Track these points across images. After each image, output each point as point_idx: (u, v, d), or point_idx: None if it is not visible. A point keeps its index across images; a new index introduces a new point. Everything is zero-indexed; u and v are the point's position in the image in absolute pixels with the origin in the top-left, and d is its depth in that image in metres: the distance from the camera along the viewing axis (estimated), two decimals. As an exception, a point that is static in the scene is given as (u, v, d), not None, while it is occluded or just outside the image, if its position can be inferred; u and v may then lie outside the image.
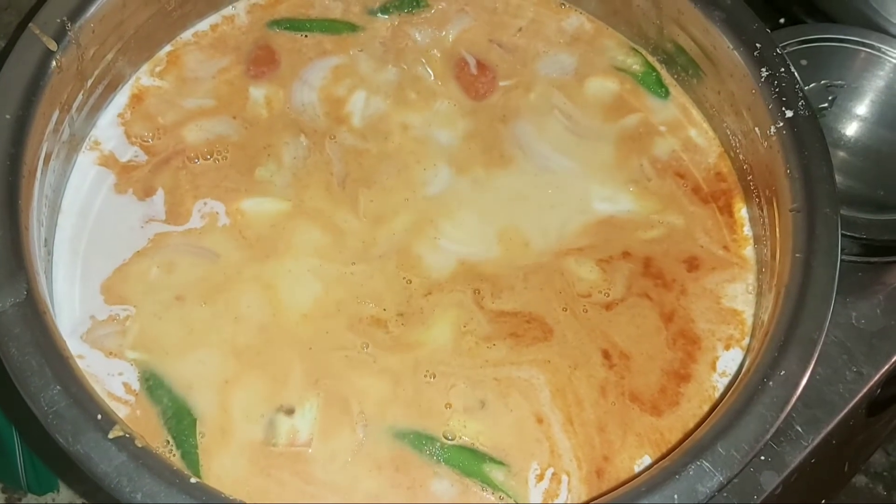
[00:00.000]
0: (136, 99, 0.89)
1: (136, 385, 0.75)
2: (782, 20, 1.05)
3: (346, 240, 0.83)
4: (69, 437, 0.61)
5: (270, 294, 0.79)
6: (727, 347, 0.80)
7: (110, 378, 0.75)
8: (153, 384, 0.74)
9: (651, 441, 0.76)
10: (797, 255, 0.73)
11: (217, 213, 0.83)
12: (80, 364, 0.69)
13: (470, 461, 0.73)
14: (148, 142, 0.86)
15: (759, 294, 0.82)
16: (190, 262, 0.80)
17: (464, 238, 0.84)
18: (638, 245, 0.84)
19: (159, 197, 0.83)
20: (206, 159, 0.86)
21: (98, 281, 0.79)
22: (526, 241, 0.84)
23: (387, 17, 0.96)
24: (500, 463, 0.74)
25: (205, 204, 0.83)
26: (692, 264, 0.84)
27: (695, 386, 0.78)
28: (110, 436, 0.62)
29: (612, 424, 0.76)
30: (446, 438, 0.74)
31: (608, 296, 0.82)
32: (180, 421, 0.73)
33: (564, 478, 0.74)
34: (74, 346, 0.75)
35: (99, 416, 0.62)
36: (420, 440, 0.74)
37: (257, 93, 0.90)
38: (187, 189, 0.84)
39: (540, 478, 0.74)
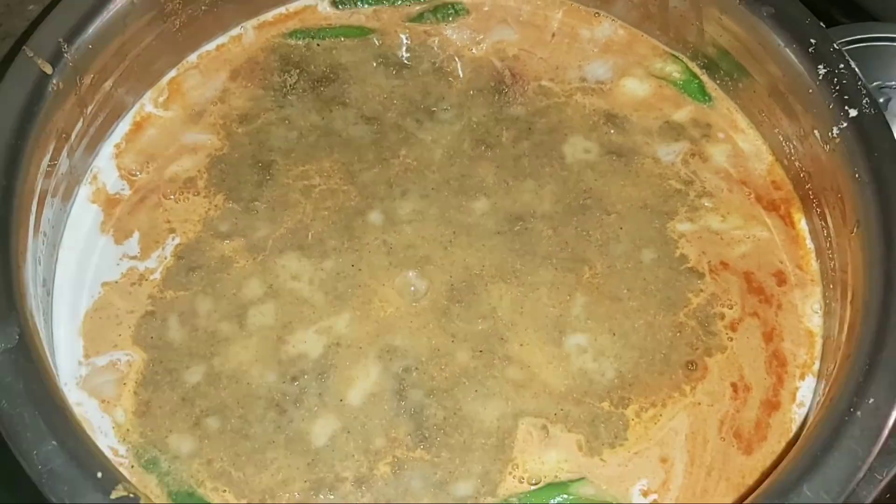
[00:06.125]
0: (137, 127, 0.83)
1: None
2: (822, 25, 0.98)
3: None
4: (65, 498, 0.55)
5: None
6: (802, 377, 0.73)
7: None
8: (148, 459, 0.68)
9: (734, 485, 0.68)
10: (874, 267, 0.66)
11: (196, 251, 0.76)
12: (77, 412, 0.63)
13: (553, 492, 0.67)
14: (136, 175, 0.80)
15: (827, 314, 0.75)
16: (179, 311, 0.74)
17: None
18: (733, 259, 0.78)
19: (134, 239, 0.77)
20: (187, 199, 0.79)
21: (89, 324, 0.73)
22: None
23: (419, 24, 0.90)
24: (580, 479, 0.68)
25: (179, 243, 0.76)
26: (780, 278, 0.77)
27: (779, 416, 0.71)
28: (112, 496, 0.55)
29: (716, 468, 0.69)
30: (530, 483, 0.67)
31: (731, 308, 0.75)
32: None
33: None
34: (72, 392, 0.69)
35: (99, 475, 0.56)
36: None
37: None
38: (164, 228, 0.77)
39: (644, 493, 0.68)
